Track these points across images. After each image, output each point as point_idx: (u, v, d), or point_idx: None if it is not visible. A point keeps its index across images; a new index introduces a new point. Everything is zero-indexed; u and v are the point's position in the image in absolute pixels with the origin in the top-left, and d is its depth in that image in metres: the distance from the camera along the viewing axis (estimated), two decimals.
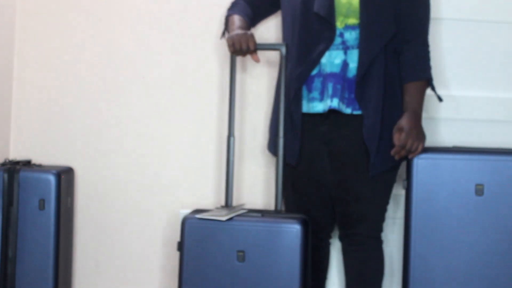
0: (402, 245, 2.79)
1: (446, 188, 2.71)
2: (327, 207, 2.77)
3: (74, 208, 3.08)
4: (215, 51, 3.09)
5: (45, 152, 3.11)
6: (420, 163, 2.72)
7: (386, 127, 2.67)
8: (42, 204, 2.82)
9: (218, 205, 2.98)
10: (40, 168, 2.91)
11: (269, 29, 3.01)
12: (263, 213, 2.68)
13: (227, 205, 2.79)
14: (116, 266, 3.13)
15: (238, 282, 2.60)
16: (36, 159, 3.07)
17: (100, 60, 3.12)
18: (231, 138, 2.77)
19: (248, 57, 2.79)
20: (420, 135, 2.65)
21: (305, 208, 2.75)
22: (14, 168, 2.84)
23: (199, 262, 2.62)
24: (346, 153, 2.69)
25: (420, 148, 2.65)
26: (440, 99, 2.77)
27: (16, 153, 3.11)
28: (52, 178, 2.84)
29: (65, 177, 2.90)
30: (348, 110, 2.66)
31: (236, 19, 2.78)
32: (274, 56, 2.99)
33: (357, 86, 2.65)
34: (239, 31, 2.68)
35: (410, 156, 2.67)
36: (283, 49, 2.70)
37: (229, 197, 2.79)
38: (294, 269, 2.58)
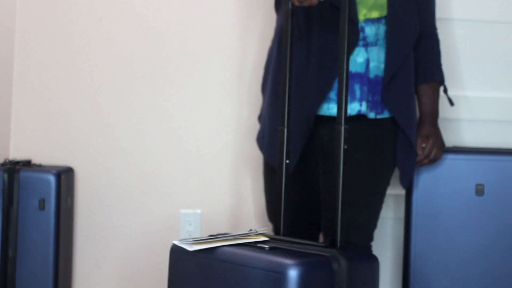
0: (402, 245, 2.80)
1: (446, 188, 2.72)
2: (315, 214, 2.57)
3: (74, 208, 3.08)
4: (216, 51, 3.09)
5: (45, 152, 3.11)
6: None
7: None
8: (42, 204, 2.82)
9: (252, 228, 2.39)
10: (40, 168, 2.91)
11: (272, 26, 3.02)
12: (271, 244, 1.99)
13: (279, 233, 2.25)
14: (116, 266, 3.13)
15: None
16: (36, 159, 3.07)
17: (100, 60, 3.12)
18: (284, 130, 2.26)
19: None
20: (443, 143, 2.60)
21: (291, 215, 2.43)
22: (14, 168, 2.84)
23: None
24: (346, 157, 2.44)
25: (440, 156, 2.62)
26: (451, 102, 2.70)
27: (16, 153, 3.11)
28: (52, 178, 2.84)
29: (65, 177, 2.90)
30: (372, 115, 2.45)
31: None
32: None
33: (385, 88, 2.42)
34: None
35: (428, 164, 2.61)
36: None
37: (281, 222, 2.20)
38: None
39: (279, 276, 1.78)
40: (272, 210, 2.60)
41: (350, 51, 2.20)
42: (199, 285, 1.97)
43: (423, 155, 2.56)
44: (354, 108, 2.42)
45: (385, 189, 2.58)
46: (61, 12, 3.11)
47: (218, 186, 3.10)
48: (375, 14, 2.42)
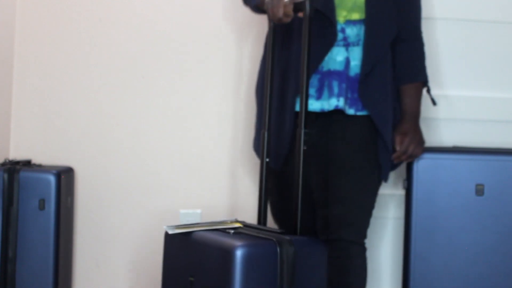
0: (402, 245, 2.79)
1: (446, 188, 2.71)
2: (310, 212, 2.62)
3: (74, 208, 3.08)
4: (216, 51, 3.09)
5: (45, 152, 3.11)
6: (420, 163, 2.72)
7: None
8: (42, 204, 2.82)
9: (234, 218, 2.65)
10: (40, 168, 2.91)
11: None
12: (237, 230, 2.31)
13: (260, 222, 2.52)
14: (116, 266, 3.13)
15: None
16: (36, 159, 3.07)
17: (100, 60, 3.11)
18: (266, 133, 2.53)
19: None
20: (421, 140, 2.63)
21: (290, 214, 2.51)
22: (14, 168, 2.84)
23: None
24: (332, 154, 2.55)
25: (420, 153, 2.63)
26: (434, 102, 2.71)
27: (16, 153, 3.11)
28: (52, 178, 2.83)
29: (65, 177, 2.90)
30: (351, 111, 2.53)
31: None
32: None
33: (361, 85, 2.52)
34: None
35: (407, 160, 2.64)
36: (307, 5, 2.41)
37: (261, 212, 2.50)
38: None
39: (228, 255, 2.09)
40: (276, 211, 2.68)
41: (324, 53, 2.49)
42: (183, 262, 2.31)
43: (400, 151, 2.57)
44: (332, 103, 2.52)
45: (375, 186, 2.60)
46: (61, 12, 3.11)
47: (218, 186, 3.10)
48: (355, 16, 2.53)
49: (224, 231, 2.27)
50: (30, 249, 2.82)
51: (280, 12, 2.42)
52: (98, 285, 3.13)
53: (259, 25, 2.99)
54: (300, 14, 2.42)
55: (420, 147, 2.63)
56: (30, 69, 3.13)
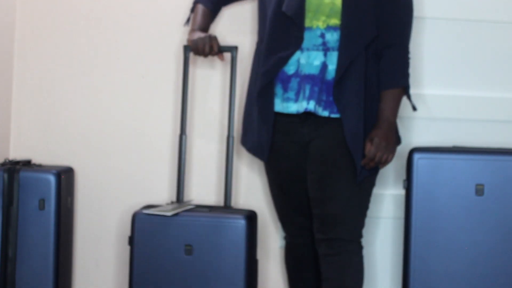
0: (401, 245, 2.79)
1: (446, 188, 2.71)
2: (306, 211, 2.71)
3: (74, 208, 3.08)
4: None
5: (45, 152, 3.11)
6: (420, 163, 2.72)
7: (369, 132, 2.59)
8: (42, 204, 2.82)
9: (169, 201, 3.02)
10: (40, 168, 2.91)
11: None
12: (211, 208, 2.81)
13: (178, 200, 2.90)
14: (116, 266, 3.13)
15: (186, 275, 2.74)
16: (36, 159, 3.07)
17: (100, 60, 3.12)
18: (183, 137, 2.90)
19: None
20: (389, 146, 2.57)
21: (291, 209, 2.73)
22: (14, 168, 2.84)
23: (149, 256, 2.75)
24: (325, 153, 2.59)
25: (389, 159, 2.58)
26: (414, 108, 2.68)
27: (16, 153, 3.11)
28: (52, 178, 2.84)
29: (65, 177, 2.90)
30: (325, 113, 2.58)
31: (200, 13, 2.81)
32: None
33: (334, 88, 2.57)
34: (201, 34, 2.74)
35: (380, 167, 2.61)
36: (234, 52, 2.89)
37: (180, 192, 2.90)
38: (239, 263, 2.72)
39: (237, 224, 2.74)
40: (277, 202, 2.78)
41: (288, 56, 2.61)
42: (175, 238, 2.78)
43: (367, 158, 2.55)
44: (302, 106, 2.60)
45: (369, 185, 2.63)
46: (61, 12, 3.11)
47: (219, 186, 3.10)
48: (334, 21, 2.58)
49: (198, 210, 2.79)
50: (30, 249, 2.82)
51: (207, 49, 2.73)
52: (98, 285, 3.14)
53: (255, 22, 2.99)
54: (220, 57, 2.80)
55: (389, 153, 2.57)
56: (30, 69, 3.13)
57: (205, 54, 2.75)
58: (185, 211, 2.77)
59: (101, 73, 3.12)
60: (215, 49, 2.74)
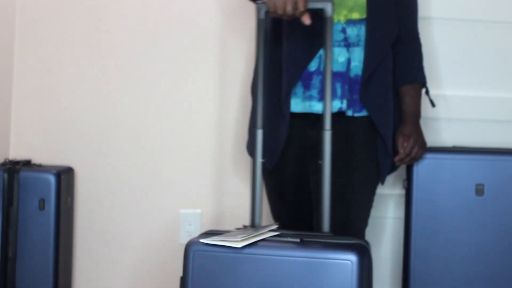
0: (402, 245, 2.80)
1: (446, 188, 2.71)
2: (309, 211, 2.62)
3: (74, 208, 3.08)
4: (215, 51, 3.09)
5: (45, 152, 3.11)
6: (420, 163, 2.72)
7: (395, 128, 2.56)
8: (42, 204, 2.82)
9: (240, 225, 2.35)
10: (40, 168, 2.91)
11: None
12: (302, 236, 2.10)
13: (254, 225, 2.22)
14: (116, 266, 3.13)
15: None
16: (36, 159, 3.07)
17: (100, 60, 3.12)
18: (259, 131, 2.33)
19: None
20: (423, 142, 2.61)
21: (291, 216, 2.63)
22: (14, 168, 2.84)
23: None
24: (331, 154, 2.44)
25: (422, 155, 2.62)
26: (433, 104, 2.69)
27: (16, 153, 3.11)
28: (52, 178, 2.84)
29: (65, 177, 2.91)
30: (349, 112, 2.50)
31: None
32: None
33: (362, 88, 2.47)
34: None
35: (410, 163, 2.63)
36: (329, 7, 2.19)
37: (256, 214, 2.18)
38: None
39: (346, 263, 2.01)
40: (275, 211, 2.68)
41: (315, 53, 2.40)
42: (252, 278, 2.03)
43: (404, 154, 2.54)
44: (335, 105, 2.47)
45: (373, 186, 2.59)
46: (61, 12, 3.11)
47: (218, 186, 3.10)
48: (355, 16, 2.46)
49: (285, 241, 2.07)
50: (30, 249, 2.82)
51: (289, 9, 2.21)
52: (98, 285, 3.14)
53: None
54: (305, 18, 2.25)
55: (423, 149, 2.61)
56: (30, 69, 3.13)
57: (287, 15, 2.23)
58: (262, 241, 2.02)
59: (101, 73, 3.12)
60: (301, 7, 2.20)
